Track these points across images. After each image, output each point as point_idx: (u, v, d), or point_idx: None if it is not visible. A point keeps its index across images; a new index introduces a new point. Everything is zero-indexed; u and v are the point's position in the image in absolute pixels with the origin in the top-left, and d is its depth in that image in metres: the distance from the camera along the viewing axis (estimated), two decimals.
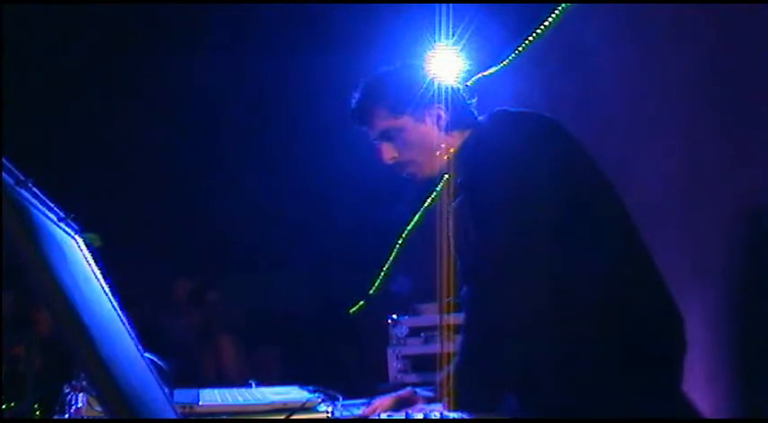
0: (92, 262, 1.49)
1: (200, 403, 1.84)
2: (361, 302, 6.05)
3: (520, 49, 3.50)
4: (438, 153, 1.97)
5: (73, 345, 0.99)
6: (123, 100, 4.96)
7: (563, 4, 3.14)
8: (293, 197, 5.45)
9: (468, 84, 2.07)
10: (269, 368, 5.79)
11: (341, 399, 1.94)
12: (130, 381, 1.12)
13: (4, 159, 1.07)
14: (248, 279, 6.00)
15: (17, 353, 3.62)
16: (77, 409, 1.56)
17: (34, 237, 1.05)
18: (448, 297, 2.38)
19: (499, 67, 3.67)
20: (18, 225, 1.01)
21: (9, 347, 3.58)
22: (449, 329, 2.78)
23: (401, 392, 1.94)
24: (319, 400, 1.85)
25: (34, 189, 1.20)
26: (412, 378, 3.25)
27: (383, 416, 1.77)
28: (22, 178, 1.14)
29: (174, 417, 1.42)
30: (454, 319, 2.71)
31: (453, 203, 1.96)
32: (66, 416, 1.59)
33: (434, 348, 3.26)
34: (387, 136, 1.99)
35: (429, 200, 4.77)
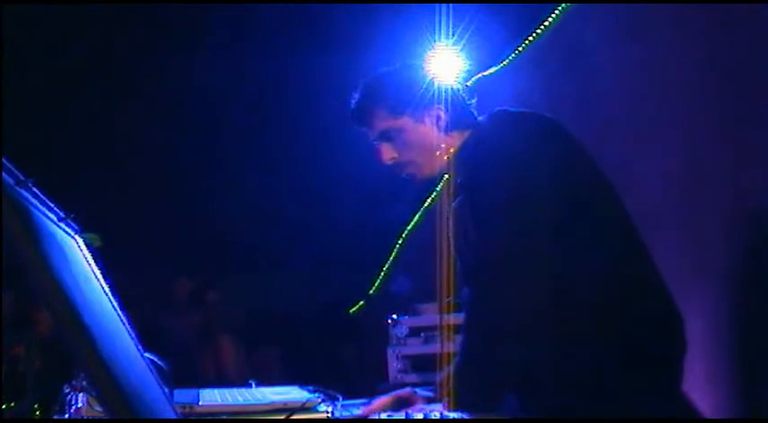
0: (92, 262, 1.49)
1: (200, 403, 1.84)
2: (361, 302, 6.05)
3: (520, 49, 3.50)
4: (437, 153, 1.97)
5: (73, 345, 0.99)
6: (123, 100, 4.96)
7: (563, 4, 3.14)
8: (293, 197, 5.45)
9: (468, 84, 2.07)
10: (269, 368, 5.79)
11: (341, 399, 1.94)
12: (130, 381, 1.12)
13: (4, 159, 1.07)
14: (248, 279, 6.00)
15: (17, 353, 3.62)
16: (77, 409, 1.56)
17: (34, 237, 1.05)
18: (448, 297, 2.37)
19: (499, 67, 3.67)
20: (18, 225, 1.01)
21: (9, 347, 3.58)
22: (449, 329, 2.78)
23: (400, 392, 1.94)
24: (319, 400, 1.85)
25: (34, 189, 1.20)
26: (412, 378, 3.25)
27: (383, 416, 1.77)
28: (22, 178, 1.14)
29: (174, 417, 1.42)
30: (454, 319, 2.71)
31: (453, 203, 1.96)
32: (66, 416, 1.59)
33: (434, 348, 3.26)
34: (386, 136, 1.99)
35: (429, 200, 4.77)
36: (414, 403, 1.87)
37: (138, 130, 5.11)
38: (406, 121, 1.97)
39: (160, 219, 5.52)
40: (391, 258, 5.65)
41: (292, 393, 2.06)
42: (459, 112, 1.98)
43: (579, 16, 3.09)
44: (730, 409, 2.17)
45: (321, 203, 5.25)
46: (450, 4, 2.20)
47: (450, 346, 2.68)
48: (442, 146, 1.97)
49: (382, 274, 5.79)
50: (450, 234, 2.00)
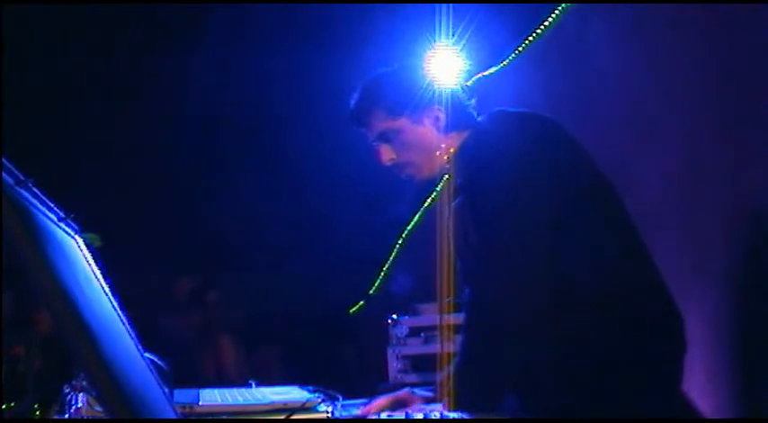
0: (92, 262, 1.49)
1: (201, 403, 1.84)
2: (361, 302, 6.04)
3: (520, 48, 3.50)
4: (436, 154, 1.97)
5: (73, 345, 0.99)
6: (123, 100, 4.96)
7: (563, 4, 3.14)
8: (293, 197, 5.45)
9: (468, 84, 2.07)
10: (269, 368, 5.79)
11: (341, 399, 1.95)
12: (130, 381, 1.12)
13: (4, 159, 1.07)
14: (248, 279, 6.00)
15: (17, 353, 3.61)
16: (77, 409, 1.56)
17: (34, 237, 1.05)
18: (448, 297, 2.38)
19: (499, 67, 3.67)
20: (18, 225, 1.01)
21: (9, 347, 3.58)
22: (449, 329, 2.78)
23: (399, 393, 1.94)
24: (319, 400, 1.85)
25: (34, 189, 1.20)
26: (412, 378, 3.25)
27: (383, 416, 1.77)
28: (22, 178, 1.14)
29: (174, 417, 1.42)
30: (454, 319, 2.71)
31: (453, 204, 1.96)
32: (67, 416, 1.59)
33: (434, 348, 3.26)
34: (385, 137, 2.00)
35: (429, 200, 4.77)
36: (411, 403, 1.87)
37: (138, 130, 5.11)
38: (404, 122, 1.97)
39: (160, 219, 5.52)
40: (391, 258, 5.65)
41: (292, 393, 2.06)
42: (457, 113, 1.98)
43: (579, 16, 3.09)
44: (730, 409, 2.17)
45: (321, 203, 5.25)
46: (451, 4, 2.20)
47: (450, 346, 2.68)
48: (442, 146, 1.97)
49: (382, 274, 5.79)
50: (451, 234, 2.00)
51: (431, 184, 2.06)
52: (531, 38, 3.39)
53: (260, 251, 5.69)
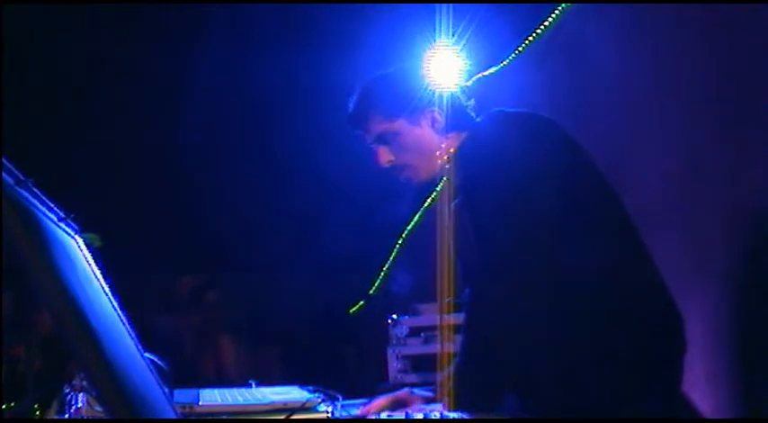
0: (92, 262, 1.49)
1: (201, 403, 1.85)
2: (361, 302, 6.04)
3: (520, 49, 3.50)
4: (435, 155, 1.98)
5: (73, 345, 0.99)
6: (123, 100, 4.96)
7: (563, 4, 3.14)
8: (293, 197, 5.45)
9: (468, 84, 2.07)
10: (269, 368, 5.79)
11: (341, 399, 1.95)
12: (130, 381, 1.12)
13: (4, 159, 1.07)
14: (248, 279, 5.99)
15: (17, 353, 3.61)
16: (77, 409, 1.56)
17: (34, 237, 1.05)
18: (448, 297, 2.38)
19: (499, 67, 3.67)
20: (18, 225, 1.01)
21: (9, 347, 3.58)
22: (449, 329, 2.78)
23: (398, 393, 1.94)
24: (319, 400, 1.85)
25: (34, 189, 1.20)
26: (412, 378, 3.25)
27: (383, 416, 1.77)
28: (22, 178, 1.14)
29: (174, 417, 1.42)
30: (454, 319, 2.71)
31: (453, 204, 1.96)
32: (67, 416, 1.59)
33: (434, 348, 3.26)
34: (383, 140, 2.00)
35: (429, 200, 4.77)
36: (411, 404, 1.87)
37: (138, 130, 5.11)
38: (401, 125, 1.98)
39: (160, 219, 5.52)
40: (391, 258, 5.65)
41: (292, 393, 2.06)
42: (456, 114, 1.98)
43: (579, 16, 3.09)
44: (730, 409, 2.17)
45: (321, 203, 5.25)
46: (451, 4, 2.20)
47: (450, 346, 2.68)
48: (441, 147, 1.97)
49: (382, 274, 5.79)
50: (450, 235, 2.00)
51: (431, 184, 2.07)
52: (531, 38, 3.39)
53: (260, 251, 5.68)
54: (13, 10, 3.74)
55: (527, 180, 1.76)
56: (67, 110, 4.94)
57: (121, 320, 1.45)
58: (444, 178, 2.03)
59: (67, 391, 1.62)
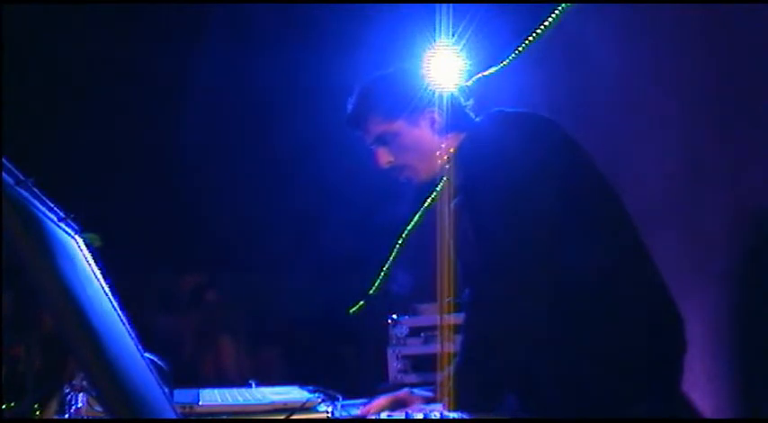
0: (92, 262, 1.49)
1: (201, 403, 1.85)
2: (361, 302, 6.04)
3: (520, 49, 3.50)
4: (434, 156, 1.98)
5: (73, 345, 0.99)
6: (123, 100, 4.96)
7: (563, 4, 3.14)
8: (293, 197, 5.45)
9: (468, 84, 2.07)
10: (269, 368, 5.79)
11: (341, 399, 1.95)
12: (130, 381, 1.12)
13: (4, 159, 1.07)
14: (248, 279, 6.00)
15: (17, 353, 3.61)
16: (77, 409, 1.56)
17: (34, 237, 1.05)
18: (448, 297, 2.38)
19: (499, 67, 3.67)
20: (18, 225, 1.01)
21: (9, 347, 3.57)
22: (449, 329, 2.78)
23: (398, 393, 1.94)
24: (319, 400, 1.85)
25: (34, 189, 1.20)
26: (412, 378, 3.25)
27: (383, 416, 1.77)
28: (22, 178, 1.14)
29: (174, 417, 1.42)
30: (454, 319, 2.71)
31: (453, 204, 1.96)
32: (67, 416, 1.59)
33: (434, 348, 3.26)
34: (382, 141, 2.01)
35: (429, 200, 4.77)
36: (410, 404, 1.87)
37: (138, 130, 5.11)
38: (400, 125, 1.98)
39: (160, 219, 5.52)
40: (391, 258, 5.65)
41: (292, 393, 2.06)
42: (455, 114, 1.98)
43: (579, 16, 3.09)
44: (730, 409, 2.17)
45: (321, 203, 5.25)
46: (451, 4, 2.20)
47: (450, 346, 2.68)
48: (440, 148, 1.98)
49: (382, 274, 5.79)
50: (450, 235, 2.01)
51: (430, 184, 2.07)
52: (531, 38, 3.39)
53: (260, 251, 5.68)
54: (13, 10, 3.74)
55: (527, 180, 1.76)
56: (67, 110, 4.94)
57: (121, 320, 1.45)
58: (444, 178, 2.03)
59: (67, 391, 1.62)
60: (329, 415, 1.76)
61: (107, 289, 1.47)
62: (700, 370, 2.16)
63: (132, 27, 4.65)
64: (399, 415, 1.74)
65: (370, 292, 5.98)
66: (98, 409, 1.54)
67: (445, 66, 2.03)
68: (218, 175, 5.48)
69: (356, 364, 6.00)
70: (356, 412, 1.86)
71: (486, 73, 3.65)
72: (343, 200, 4.89)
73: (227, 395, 2.06)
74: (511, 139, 1.85)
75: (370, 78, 2.05)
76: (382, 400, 1.88)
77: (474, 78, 2.84)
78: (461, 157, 1.93)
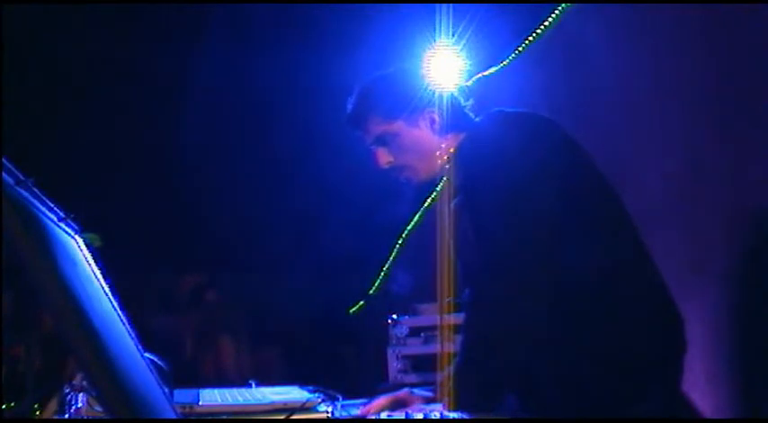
0: (92, 262, 1.49)
1: (201, 403, 1.85)
2: (361, 302, 6.04)
3: (520, 48, 3.50)
4: (434, 156, 1.98)
5: (73, 345, 0.99)
6: (123, 100, 4.96)
7: (563, 4, 3.14)
8: (293, 197, 5.44)
9: (468, 84, 2.07)
10: (269, 368, 5.79)
11: (341, 399, 1.95)
12: (130, 381, 1.12)
13: (4, 159, 1.07)
14: (248, 279, 6.00)
15: (17, 353, 3.61)
16: (77, 409, 1.56)
17: (34, 237, 1.05)
18: (448, 297, 2.38)
19: (499, 67, 3.67)
20: (18, 225, 1.01)
21: (9, 347, 3.57)
22: (449, 329, 2.78)
23: (398, 393, 1.94)
24: (319, 400, 1.85)
25: (34, 189, 1.20)
26: (412, 378, 3.25)
27: (383, 416, 1.77)
28: (22, 178, 1.14)
29: (174, 417, 1.42)
30: (454, 319, 2.71)
31: (452, 204, 1.96)
32: (67, 416, 1.59)
33: (434, 348, 3.26)
34: (382, 141, 2.01)
35: (429, 200, 4.77)
36: (410, 404, 1.87)
37: (138, 130, 5.11)
38: (400, 126, 1.99)
39: (160, 219, 5.52)
40: (391, 258, 5.65)
41: (292, 393, 2.06)
42: (454, 114, 1.98)
43: (579, 16, 3.09)
44: (730, 409, 2.17)
45: (321, 203, 5.25)
46: (451, 3, 2.20)
47: (450, 346, 2.69)
48: (440, 148, 1.98)
49: (382, 274, 5.79)
50: (450, 234, 2.01)
51: (430, 184, 2.07)
52: (531, 38, 3.39)
53: (260, 251, 5.68)
54: (13, 10, 3.74)
55: (527, 180, 1.76)
56: (67, 110, 4.94)
57: (121, 320, 1.45)
58: (444, 178, 2.03)
59: (67, 391, 1.62)
60: (329, 415, 1.76)
61: (107, 289, 1.47)
62: (700, 370, 2.16)
63: (132, 27, 4.65)
64: (399, 415, 1.74)
65: (370, 292, 5.98)
66: (98, 409, 1.54)
67: (445, 66, 2.03)
68: (218, 175, 5.48)
69: (356, 364, 6.00)
70: (356, 412, 1.86)
71: (486, 73, 3.65)
72: (343, 200, 4.89)
73: (227, 395, 2.06)
74: (511, 139, 1.85)
75: (370, 78, 2.06)
76: (382, 400, 1.88)
77: (474, 78, 2.84)
78: (461, 157, 1.93)
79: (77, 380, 1.58)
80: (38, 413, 1.94)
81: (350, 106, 2.06)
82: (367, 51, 3.35)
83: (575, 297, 1.74)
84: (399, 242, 5.52)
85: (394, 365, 3.35)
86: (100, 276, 1.48)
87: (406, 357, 3.35)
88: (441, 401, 1.83)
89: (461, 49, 2.07)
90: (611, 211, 1.86)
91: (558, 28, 3.23)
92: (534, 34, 3.34)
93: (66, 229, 1.41)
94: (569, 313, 1.74)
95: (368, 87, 2.04)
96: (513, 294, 1.73)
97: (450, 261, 2.08)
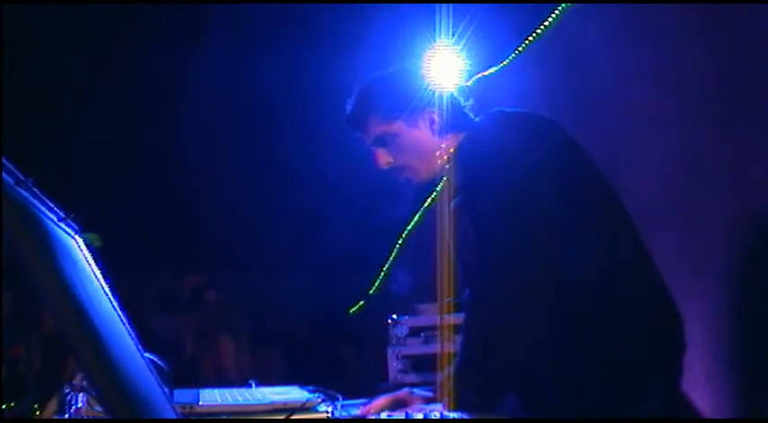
0: (92, 262, 1.49)
1: (201, 403, 1.85)
2: (361, 302, 6.04)
3: (520, 49, 3.50)
4: (434, 156, 1.98)
5: (73, 345, 0.99)
6: (123, 100, 4.96)
7: (563, 4, 3.14)
8: (293, 197, 5.45)
9: (468, 84, 2.07)
10: (269, 368, 5.79)
11: (341, 399, 1.95)
12: (130, 381, 1.12)
13: (4, 159, 1.07)
14: (248, 279, 6.00)
15: (17, 353, 3.61)
16: (77, 409, 1.56)
17: (34, 237, 1.05)
18: (448, 297, 2.38)
19: (499, 67, 3.67)
20: (18, 225, 1.01)
21: (9, 347, 3.57)
22: (449, 329, 2.78)
23: (398, 393, 1.94)
24: (319, 400, 1.85)
25: (34, 189, 1.20)
26: (412, 378, 3.25)
27: (383, 416, 1.77)
28: (22, 178, 1.14)
29: (174, 417, 1.42)
30: (454, 319, 2.71)
31: (452, 203, 1.96)
32: (67, 416, 1.59)
33: (434, 348, 3.26)
34: (381, 142, 2.01)
35: (429, 200, 4.78)
36: (410, 404, 1.87)
37: (138, 130, 5.11)
38: (400, 126, 1.98)
39: (160, 219, 5.52)
40: (391, 258, 5.65)
41: (292, 393, 2.06)
42: (454, 115, 1.98)
43: (579, 16, 3.09)
44: (730, 409, 2.17)
45: (321, 203, 5.25)
46: (451, 3, 2.20)
47: (450, 346, 2.69)
48: (440, 148, 1.98)
49: (382, 274, 5.79)
50: (450, 235, 2.01)
51: (430, 184, 2.07)
52: (531, 38, 3.39)
53: (260, 251, 5.69)
54: (12, 10, 3.74)
55: (527, 180, 1.76)
56: (67, 110, 4.94)
57: (121, 320, 1.45)
58: (444, 178, 2.03)
59: (67, 391, 1.62)
60: (329, 415, 1.76)
61: (107, 289, 1.47)
62: (700, 370, 2.16)
63: (132, 27, 4.65)
64: (399, 415, 1.74)
65: (370, 292, 5.98)
66: (98, 409, 1.54)
67: (445, 66, 2.03)
68: (218, 175, 5.48)
69: (356, 364, 6.00)
70: (356, 412, 1.86)
71: (486, 73, 3.65)
72: (343, 200, 4.89)
73: (227, 395, 2.06)
74: (511, 139, 1.85)
75: (370, 79, 2.06)
76: (382, 400, 1.88)
77: (474, 78, 2.84)
78: (461, 157, 1.93)
79: (77, 380, 1.58)
80: (38, 413, 1.94)
81: (349, 107, 2.06)
82: (367, 51, 3.35)
83: (575, 297, 1.74)
84: (399, 242, 5.52)
85: (394, 365, 3.35)
86: (100, 276, 1.48)
87: (406, 357, 3.35)
88: (441, 401, 1.83)
89: (461, 49, 2.07)
90: (611, 211, 1.86)
91: (558, 28, 3.23)
92: (534, 34, 3.34)
93: (67, 229, 1.41)
94: (569, 313, 1.74)
95: (367, 88, 2.04)
96: (513, 294, 1.73)
97: (450, 261, 2.08)
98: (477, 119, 2.00)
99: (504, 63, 3.63)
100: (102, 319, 1.19)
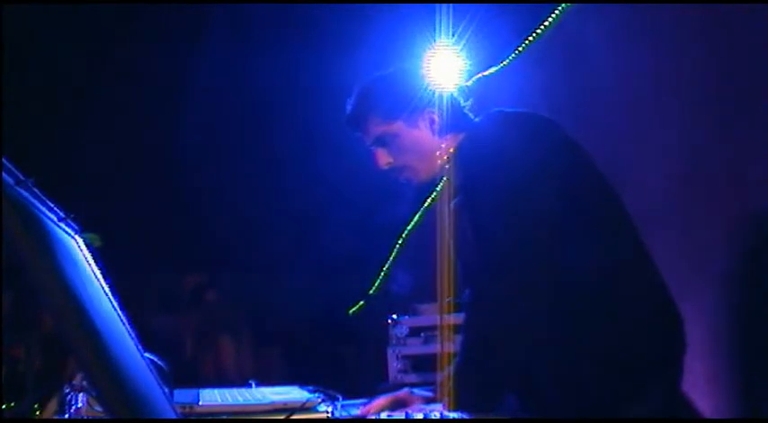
0: (92, 262, 1.49)
1: (201, 403, 1.85)
2: (361, 302, 6.04)
3: (520, 49, 3.50)
4: (434, 156, 1.98)
5: (73, 345, 0.99)
6: (123, 100, 4.96)
7: (563, 4, 3.14)
8: (293, 197, 5.45)
9: (468, 84, 2.07)
10: (269, 368, 5.79)
11: (341, 399, 1.95)
12: (130, 381, 1.12)
13: (4, 159, 1.07)
14: (248, 279, 6.00)
15: (17, 353, 3.61)
16: (77, 409, 1.56)
17: (34, 237, 1.05)
18: (448, 297, 2.38)
19: (499, 67, 3.67)
20: (18, 225, 1.01)
21: (9, 347, 3.57)
22: (449, 329, 2.78)
23: (398, 393, 1.94)
24: (319, 400, 1.85)
25: (34, 189, 1.20)
26: (412, 378, 3.25)
27: (383, 416, 1.77)
28: (22, 178, 1.14)
29: (174, 417, 1.42)
30: (454, 319, 2.71)
31: (452, 204, 1.96)
32: (67, 416, 1.59)
33: (434, 348, 3.26)
34: (381, 142, 2.01)
35: (429, 200, 4.77)
36: (410, 404, 1.87)
37: (138, 130, 5.11)
38: (400, 126, 1.99)
39: (160, 219, 5.52)
40: (391, 258, 5.65)
41: (292, 393, 2.06)
42: (454, 115, 1.98)
43: (579, 16, 3.09)
44: (730, 409, 2.17)
45: (321, 203, 5.25)
46: (451, 3, 2.20)
47: (450, 346, 2.69)
48: (440, 148, 1.98)
49: (382, 274, 5.79)
50: (450, 235, 2.01)
51: (430, 184, 2.07)
52: (531, 38, 3.39)
53: (260, 251, 5.69)
54: (12, 10, 3.74)
55: (527, 180, 1.76)
56: (67, 110, 4.94)
57: (121, 320, 1.45)
58: (444, 178, 2.03)
59: (67, 391, 1.62)
60: (329, 415, 1.76)
61: (107, 289, 1.47)
62: (700, 370, 2.16)
63: (132, 27, 4.65)
64: (399, 415, 1.74)
65: (370, 292, 5.98)
66: (98, 409, 1.54)
67: (445, 66, 2.03)
68: (218, 175, 5.48)
69: (356, 364, 6.00)
70: (356, 412, 1.86)
71: (486, 73, 3.65)
72: (343, 200, 4.89)
73: (227, 395, 2.06)
74: (511, 139, 1.85)
75: (370, 79, 2.06)
76: (382, 400, 1.88)
77: (474, 78, 2.84)
78: (461, 158, 1.93)
79: (77, 380, 1.58)
80: (38, 413, 1.94)
81: (349, 107, 2.06)
82: (367, 51, 3.35)
83: (575, 297, 1.74)
84: (399, 242, 5.52)
85: (394, 365, 3.35)
86: (100, 276, 1.48)
87: (406, 357, 3.35)
88: (441, 401, 1.83)
89: (461, 49, 2.07)
90: (612, 211, 1.86)
91: (558, 28, 3.23)
92: (534, 34, 3.34)
93: (67, 229, 1.41)
94: (569, 313, 1.74)
95: (367, 88, 2.04)
96: (513, 294, 1.73)
97: (450, 261, 2.08)
98: (477, 119, 2.00)
99: (504, 63, 3.63)
100: (102, 319, 1.19)
